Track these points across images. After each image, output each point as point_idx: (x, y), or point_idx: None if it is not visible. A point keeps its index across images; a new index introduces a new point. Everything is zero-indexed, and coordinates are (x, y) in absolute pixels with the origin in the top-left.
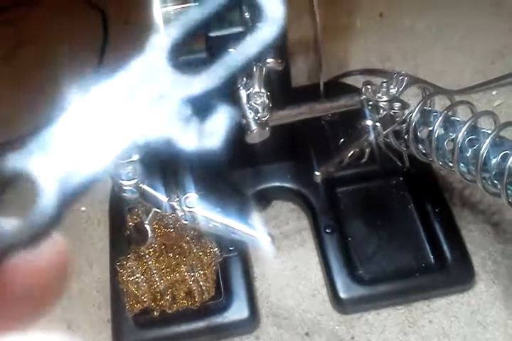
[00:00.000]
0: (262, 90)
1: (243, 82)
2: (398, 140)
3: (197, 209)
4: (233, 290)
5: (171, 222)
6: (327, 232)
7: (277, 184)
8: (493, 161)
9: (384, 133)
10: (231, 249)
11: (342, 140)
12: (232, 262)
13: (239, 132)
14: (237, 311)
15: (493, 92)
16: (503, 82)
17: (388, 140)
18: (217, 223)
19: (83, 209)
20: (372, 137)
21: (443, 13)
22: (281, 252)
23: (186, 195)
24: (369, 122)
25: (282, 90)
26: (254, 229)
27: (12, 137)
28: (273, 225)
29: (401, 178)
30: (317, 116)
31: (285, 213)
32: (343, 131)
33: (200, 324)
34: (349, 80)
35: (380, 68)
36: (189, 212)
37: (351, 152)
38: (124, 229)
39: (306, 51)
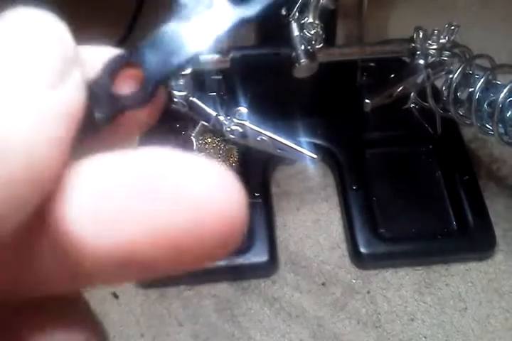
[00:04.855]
0: (316, 21)
1: (295, 16)
2: (435, 102)
3: (247, 122)
4: (255, 233)
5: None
6: (353, 189)
7: (307, 139)
8: None
9: (433, 77)
10: (256, 195)
11: (392, 75)
12: (256, 207)
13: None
14: (258, 253)
15: None
16: None
17: (426, 103)
18: (266, 137)
19: None
20: (421, 78)
21: None
22: (305, 205)
23: (238, 108)
24: (421, 61)
25: (329, 37)
26: (302, 146)
27: None
28: (299, 179)
29: (430, 146)
30: (352, 79)
31: (312, 169)
32: (377, 95)
33: (221, 262)
34: None
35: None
36: (238, 124)
37: (400, 88)
38: None
39: (345, 17)
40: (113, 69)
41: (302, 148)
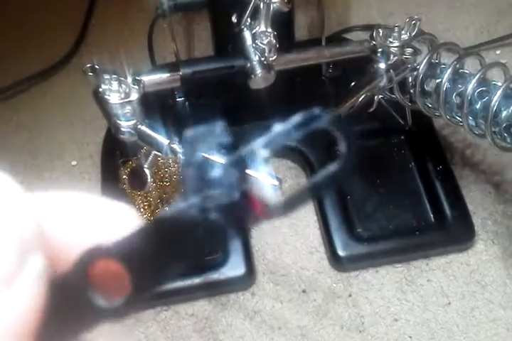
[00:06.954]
0: (269, 29)
1: (247, 23)
2: (403, 94)
3: None
4: (229, 246)
5: (166, 175)
6: None
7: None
8: (504, 113)
9: (396, 78)
10: None
11: (353, 83)
12: None
13: (238, 87)
14: (234, 267)
15: (497, 52)
16: (507, 41)
17: (393, 95)
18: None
19: (74, 163)
20: (383, 82)
21: None
22: None
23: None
24: (382, 65)
25: (285, 40)
26: (262, 172)
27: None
28: None
29: (402, 137)
30: (318, 72)
31: (283, 171)
32: (344, 87)
33: (196, 280)
34: (350, 36)
35: (383, 24)
36: None
37: (362, 96)
38: (117, 183)
39: (306, 5)
40: (89, 261)
41: (262, 174)
